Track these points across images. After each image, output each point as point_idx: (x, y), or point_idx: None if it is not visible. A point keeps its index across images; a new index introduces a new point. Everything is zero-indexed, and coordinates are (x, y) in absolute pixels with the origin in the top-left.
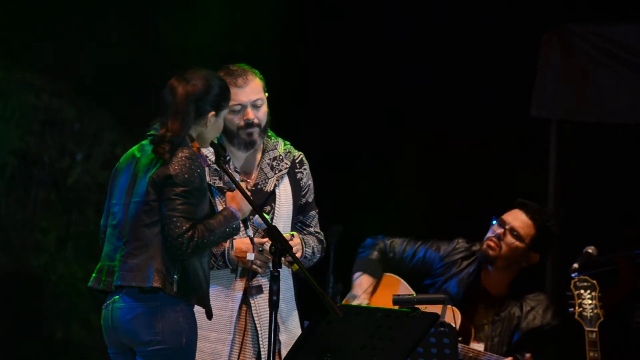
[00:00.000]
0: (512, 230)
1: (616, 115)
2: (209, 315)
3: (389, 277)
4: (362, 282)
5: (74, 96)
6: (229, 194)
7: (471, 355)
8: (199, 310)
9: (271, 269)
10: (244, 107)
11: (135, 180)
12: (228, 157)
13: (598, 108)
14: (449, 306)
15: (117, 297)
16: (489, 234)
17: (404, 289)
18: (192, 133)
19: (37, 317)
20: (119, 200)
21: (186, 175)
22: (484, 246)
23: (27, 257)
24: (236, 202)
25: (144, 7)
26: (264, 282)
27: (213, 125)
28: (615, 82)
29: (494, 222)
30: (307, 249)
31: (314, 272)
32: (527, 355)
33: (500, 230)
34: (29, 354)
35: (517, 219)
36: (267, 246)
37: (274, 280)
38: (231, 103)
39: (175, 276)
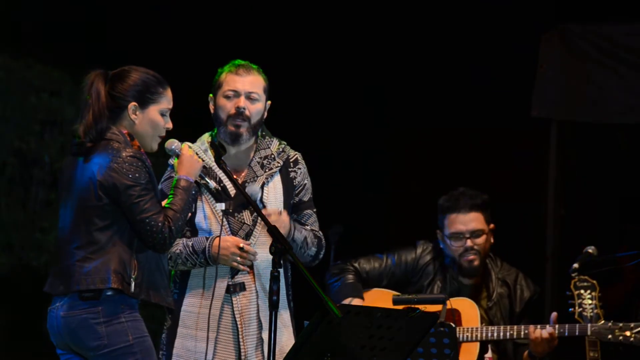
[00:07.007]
0: (474, 233)
1: (616, 115)
2: (170, 310)
3: (377, 292)
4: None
5: (74, 96)
6: (175, 162)
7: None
8: (185, 310)
9: (271, 269)
10: (237, 94)
11: (74, 183)
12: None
13: (598, 108)
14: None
15: (58, 304)
16: (458, 250)
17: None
18: (122, 129)
19: (37, 317)
20: (64, 203)
21: (136, 175)
22: (465, 264)
23: (27, 257)
24: (183, 168)
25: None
26: (247, 279)
27: (142, 119)
28: (615, 82)
29: (448, 240)
30: (297, 234)
31: (314, 272)
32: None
33: (468, 243)
34: (29, 354)
35: (466, 221)
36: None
37: (274, 280)
38: (226, 88)
39: (133, 276)
